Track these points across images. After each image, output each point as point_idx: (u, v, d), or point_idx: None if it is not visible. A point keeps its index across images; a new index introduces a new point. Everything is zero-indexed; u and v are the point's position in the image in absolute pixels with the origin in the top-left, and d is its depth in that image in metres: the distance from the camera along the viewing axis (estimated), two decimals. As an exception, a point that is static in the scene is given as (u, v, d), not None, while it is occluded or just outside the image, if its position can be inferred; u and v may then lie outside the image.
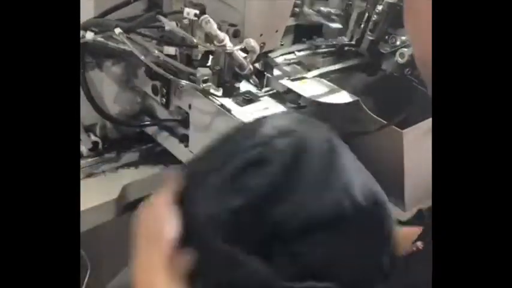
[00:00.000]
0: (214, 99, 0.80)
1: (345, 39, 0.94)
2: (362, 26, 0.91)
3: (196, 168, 0.58)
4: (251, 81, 0.75)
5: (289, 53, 0.94)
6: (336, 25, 0.96)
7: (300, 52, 0.94)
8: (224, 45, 0.66)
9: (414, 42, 0.58)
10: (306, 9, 0.90)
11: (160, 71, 0.73)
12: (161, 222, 0.60)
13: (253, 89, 0.82)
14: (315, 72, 0.91)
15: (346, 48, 0.94)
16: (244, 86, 0.81)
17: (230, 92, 0.77)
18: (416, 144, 0.91)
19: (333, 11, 0.92)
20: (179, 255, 0.56)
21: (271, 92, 0.81)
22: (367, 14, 0.92)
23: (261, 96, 0.80)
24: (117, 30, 0.73)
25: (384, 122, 0.90)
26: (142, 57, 0.74)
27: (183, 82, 0.74)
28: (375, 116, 0.90)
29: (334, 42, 0.96)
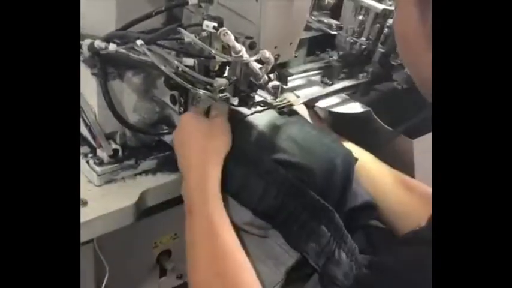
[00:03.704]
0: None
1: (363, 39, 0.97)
2: (377, 26, 0.94)
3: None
4: (266, 91, 0.78)
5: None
6: (335, 33, 0.99)
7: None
8: (241, 56, 0.69)
9: (408, 66, 0.61)
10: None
11: (180, 80, 0.76)
12: (217, 134, 0.76)
13: (268, 98, 0.84)
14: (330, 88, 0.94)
15: (363, 46, 0.96)
16: (258, 96, 0.83)
17: (246, 101, 0.79)
18: (427, 153, 0.93)
19: (334, 23, 0.95)
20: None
21: (284, 103, 0.83)
22: (378, 26, 0.95)
23: (276, 106, 0.82)
24: (139, 42, 0.77)
25: (396, 132, 0.93)
26: (162, 67, 0.77)
27: (201, 91, 0.77)
28: (386, 126, 0.92)
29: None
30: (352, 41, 0.99)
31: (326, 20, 0.98)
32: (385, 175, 0.86)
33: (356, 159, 0.80)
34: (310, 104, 0.92)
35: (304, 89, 0.96)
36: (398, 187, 0.84)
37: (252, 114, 0.81)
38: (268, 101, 0.80)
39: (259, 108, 0.81)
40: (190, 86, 0.76)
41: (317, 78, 0.99)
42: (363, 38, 0.98)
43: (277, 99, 0.81)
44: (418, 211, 0.79)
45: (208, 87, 0.78)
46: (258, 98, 0.81)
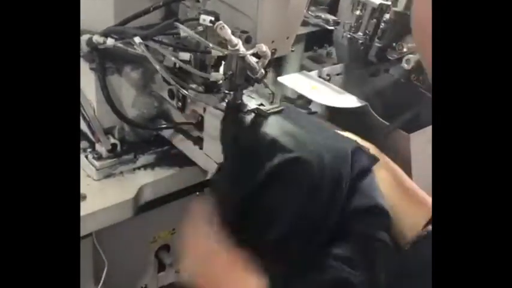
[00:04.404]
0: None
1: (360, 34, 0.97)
2: (374, 20, 0.94)
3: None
4: (262, 84, 0.78)
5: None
6: (333, 28, 0.99)
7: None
8: (237, 50, 0.70)
9: (422, 51, 0.61)
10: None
11: (172, 81, 0.77)
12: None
13: (264, 102, 0.84)
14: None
15: (360, 41, 0.97)
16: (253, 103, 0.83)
17: (240, 109, 0.79)
18: (424, 148, 0.93)
19: (331, 18, 0.96)
20: None
21: (279, 109, 0.82)
22: (375, 21, 0.95)
23: (270, 114, 0.80)
24: (137, 40, 0.77)
25: (392, 126, 0.93)
26: (157, 67, 0.77)
27: (192, 93, 0.78)
28: (383, 121, 0.92)
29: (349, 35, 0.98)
30: (349, 36, 0.99)
31: (323, 15, 0.98)
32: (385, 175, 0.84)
33: (377, 159, 0.79)
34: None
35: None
36: (397, 189, 0.83)
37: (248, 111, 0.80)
38: (261, 108, 0.79)
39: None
40: (179, 86, 0.77)
41: (314, 73, 1.00)
42: (360, 33, 0.99)
43: (269, 105, 0.81)
44: (415, 215, 0.78)
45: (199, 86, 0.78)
46: (251, 105, 0.81)
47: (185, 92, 0.78)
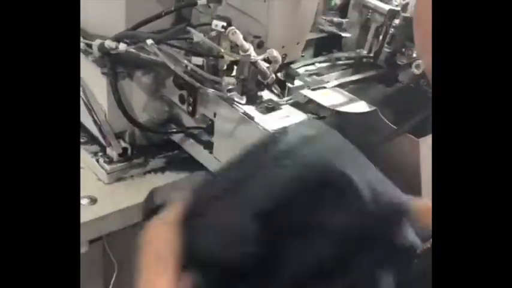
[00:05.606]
0: (238, 108, 0.84)
1: (364, 52, 0.98)
2: (380, 38, 0.95)
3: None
4: (273, 89, 0.79)
5: (310, 64, 0.98)
6: (346, 34, 1.00)
7: (320, 64, 0.98)
8: (249, 55, 0.70)
9: (423, 53, 0.60)
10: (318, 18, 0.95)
11: (190, 79, 0.77)
12: (168, 242, 0.64)
13: (275, 98, 0.85)
14: (335, 82, 0.95)
15: (364, 60, 0.98)
16: (266, 95, 0.84)
17: (253, 99, 0.81)
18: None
19: (344, 21, 0.96)
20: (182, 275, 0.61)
21: (292, 101, 0.84)
22: (384, 28, 0.96)
23: (282, 105, 0.83)
24: (149, 41, 0.78)
25: (400, 130, 0.93)
26: (172, 66, 0.79)
27: (210, 91, 0.78)
28: (392, 126, 0.92)
29: (353, 55, 1.00)
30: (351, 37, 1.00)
31: (336, 19, 0.99)
32: None
33: None
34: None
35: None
36: None
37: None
38: (275, 100, 0.80)
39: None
40: (198, 84, 0.78)
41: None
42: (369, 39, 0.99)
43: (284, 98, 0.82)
44: None
45: (216, 86, 0.79)
46: (265, 97, 0.82)
47: (205, 88, 0.78)
